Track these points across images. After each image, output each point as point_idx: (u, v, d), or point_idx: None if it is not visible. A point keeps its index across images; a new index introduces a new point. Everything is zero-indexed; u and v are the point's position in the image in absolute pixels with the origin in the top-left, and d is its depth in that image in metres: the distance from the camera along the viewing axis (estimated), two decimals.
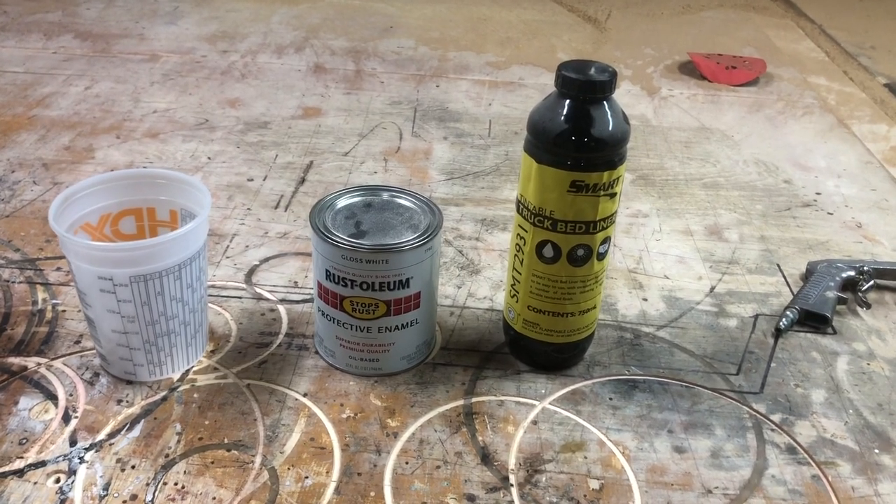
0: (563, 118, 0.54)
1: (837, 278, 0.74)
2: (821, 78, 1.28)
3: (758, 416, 0.60)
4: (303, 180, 0.88)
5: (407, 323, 0.60)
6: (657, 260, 0.78)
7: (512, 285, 0.61)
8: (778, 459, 0.57)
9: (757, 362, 0.66)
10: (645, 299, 0.73)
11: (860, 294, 0.73)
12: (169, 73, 1.15)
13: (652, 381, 0.63)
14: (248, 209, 0.82)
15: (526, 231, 0.58)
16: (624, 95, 1.17)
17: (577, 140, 0.53)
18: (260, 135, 0.98)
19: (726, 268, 0.78)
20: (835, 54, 1.40)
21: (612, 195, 0.56)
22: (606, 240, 0.58)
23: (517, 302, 0.61)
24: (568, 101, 0.54)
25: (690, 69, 1.28)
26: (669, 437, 0.58)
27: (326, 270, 0.58)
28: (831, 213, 0.89)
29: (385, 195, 0.62)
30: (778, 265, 0.79)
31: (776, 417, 0.60)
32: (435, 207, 0.61)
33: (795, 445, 0.58)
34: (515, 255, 0.60)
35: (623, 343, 0.67)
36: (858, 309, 0.73)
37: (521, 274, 0.60)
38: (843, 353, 0.67)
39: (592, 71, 0.54)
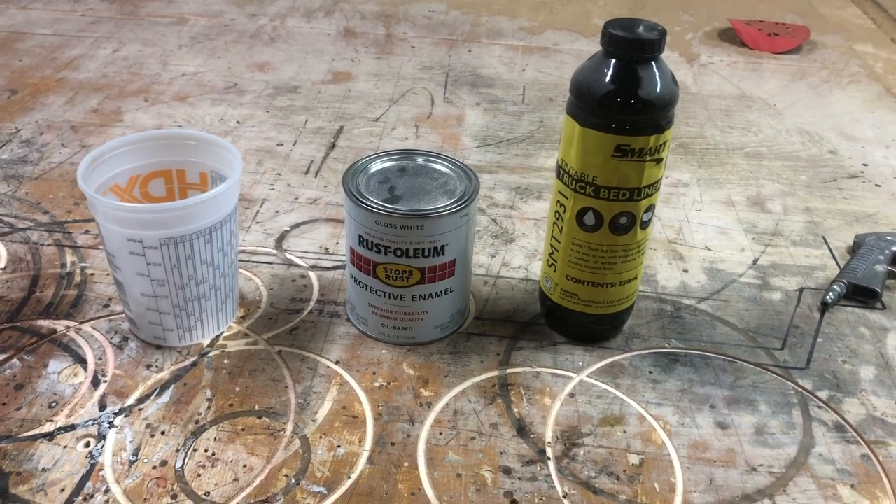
0: (608, 78, 0.51)
1: (887, 251, 0.71)
2: (867, 45, 1.24)
3: (804, 392, 0.58)
4: (333, 146, 0.86)
5: (441, 291, 0.58)
6: (698, 231, 0.76)
7: (550, 254, 0.59)
8: (825, 437, 0.54)
9: (802, 337, 0.63)
10: (686, 271, 0.70)
11: None
12: (197, 37, 1.13)
13: (693, 354, 0.61)
14: (278, 174, 0.81)
15: (566, 197, 0.56)
16: None
17: (624, 101, 0.51)
18: (289, 99, 0.96)
19: (770, 239, 0.75)
20: (882, 21, 1.35)
21: (659, 160, 0.54)
22: (651, 207, 0.56)
23: (555, 271, 0.59)
24: (614, 61, 0.51)
25: (731, 36, 1.24)
26: (712, 413, 0.56)
27: (359, 236, 0.56)
28: (879, 185, 0.86)
29: (420, 159, 0.61)
30: (823, 237, 0.76)
31: (823, 394, 0.58)
32: (471, 173, 0.59)
33: (844, 423, 0.56)
34: (555, 222, 0.58)
35: (663, 315, 0.65)
36: None
37: (560, 242, 0.58)
38: (893, 328, 0.65)
39: (641, 29, 0.51)
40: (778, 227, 0.77)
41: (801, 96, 1.05)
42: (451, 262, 0.57)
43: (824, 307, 0.66)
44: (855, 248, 0.73)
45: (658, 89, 0.51)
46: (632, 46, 0.51)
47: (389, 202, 0.56)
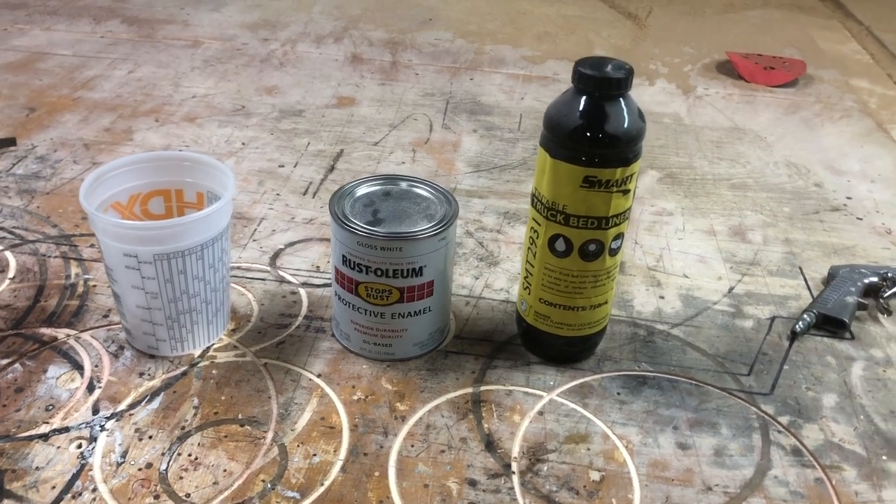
0: (577, 114, 0.54)
1: (859, 283, 0.73)
2: (863, 81, 1.26)
3: (765, 416, 0.61)
4: (332, 168, 0.90)
5: (420, 310, 0.61)
6: (678, 258, 0.78)
7: (525, 277, 0.62)
8: (782, 461, 0.57)
9: (769, 364, 0.66)
10: (662, 297, 0.73)
11: (882, 300, 0.73)
12: (210, 60, 1.17)
13: (661, 377, 0.64)
14: (278, 194, 0.84)
15: (539, 224, 0.59)
16: (658, 93, 1.16)
17: (591, 136, 0.54)
18: (294, 122, 1.00)
19: (747, 269, 0.78)
20: (880, 57, 1.38)
21: (626, 192, 0.57)
22: (619, 236, 0.59)
23: (529, 294, 0.62)
24: (584, 97, 0.55)
25: (728, 69, 1.27)
26: (674, 434, 0.58)
27: (343, 256, 0.60)
28: (861, 218, 0.88)
29: (404, 185, 0.64)
30: (800, 268, 0.78)
31: (784, 419, 0.60)
32: (451, 198, 0.62)
33: (801, 448, 0.58)
34: (529, 247, 0.61)
35: (636, 339, 0.67)
36: (879, 315, 0.72)
37: (533, 266, 0.61)
38: (859, 358, 0.67)
39: (609, 68, 0.55)
40: (756, 257, 0.80)
41: (792, 129, 1.08)
42: (429, 283, 0.60)
43: (793, 336, 0.69)
44: (829, 280, 0.76)
45: (625, 125, 0.54)
46: (600, 84, 0.54)
47: (372, 224, 0.59)
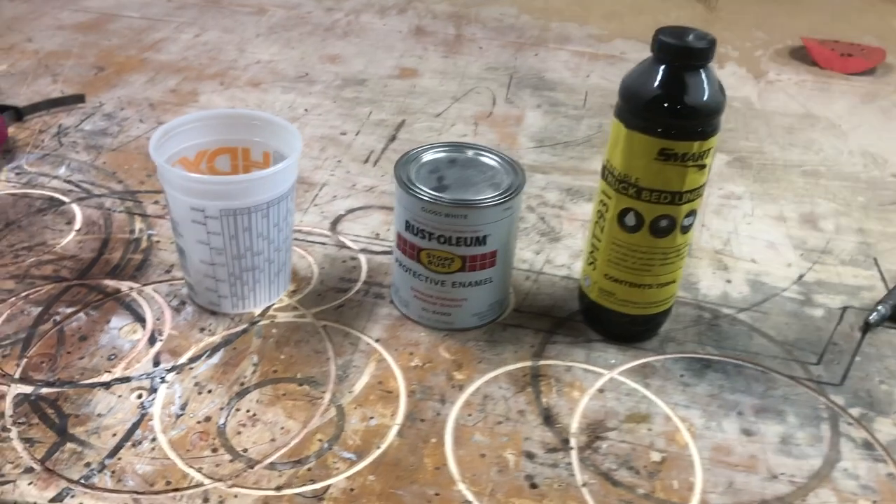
0: (656, 83, 0.53)
1: None
2: None
3: (835, 407, 0.58)
4: (393, 138, 0.89)
5: (481, 280, 0.60)
6: (746, 243, 0.76)
7: (590, 252, 0.61)
8: (852, 453, 0.55)
9: (840, 354, 0.63)
10: (729, 281, 0.71)
11: None
12: (274, 27, 1.17)
13: (727, 362, 0.62)
14: (339, 161, 0.84)
15: (609, 197, 0.57)
16: (728, 77, 1.13)
17: (670, 107, 0.52)
18: (356, 91, 1.00)
19: (818, 257, 0.75)
20: None
21: (702, 167, 0.55)
22: (692, 212, 0.57)
23: (594, 269, 0.61)
24: (663, 67, 0.53)
25: (802, 55, 1.23)
26: (739, 419, 0.57)
27: (406, 221, 0.59)
28: None
29: (470, 153, 0.63)
30: (875, 259, 0.75)
31: (854, 411, 0.58)
32: (518, 168, 0.61)
33: (873, 441, 0.56)
34: (596, 221, 0.59)
35: (701, 322, 0.66)
36: None
37: (600, 241, 0.59)
38: None
39: (691, 37, 0.53)
40: (828, 246, 0.77)
41: (868, 118, 1.04)
42: (492, 253, 0.59)
43: (867, 327, 0.66)
44: None
45: (704, 97, 0.52)
46: (681, 53, 0.52)
47: (437, 191, 0.58)
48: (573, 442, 0.54)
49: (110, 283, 0.65)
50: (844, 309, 0.69)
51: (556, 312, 0.65)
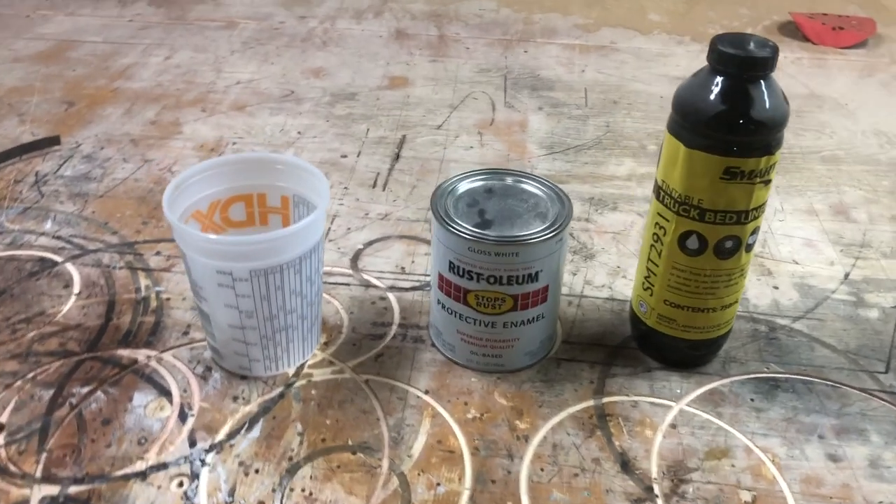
0: (719, 98, 0.49)
1: None
2: None
3: None
4: (398, 157, 0.84)
5: (533, 318, 0.56)
6: (783, 243, 0.73)
7: (646, 277, 0.57)
8: None
9: None
10: (776, 287, 0.68)
11: None
12: (248, 41, 1.11)
13: (794, 379, 0.59)
14: (346, 188, 0.79)
15: (667, 220, 0.53)
16: None
17: (736, 122, 0.48)
18: (348, 107, 0.94)
19: (859, 251, 0.72)
20: None
21: (768, 182, 0.51)
22: (756, 230, 0.53)
23: (651, 295, 0.57)
24: (724, 79, 0.49)
25: (791, 30, 1.20)
26: (821, 444, 0.54)
27: (450, 262, 0.54)
28: None
29: (509, 180, 0.58)
30: None
31: None
32: (561, 193, 0.57)
33: None
34: (652, 244, 0.55)
35: (758, 337, 0.62)
36: None
37: (658, 266, 0.55)
38: None
39: (752, 45, 0.49)
40: (866, 238, 0.74)
41: (872, 94, 1.02)
42: (544, 288, 0.55)
43: None
44: None
45: (771, 109, 0.49)
46: (744, 64, 0.48)
47: (480, 227, 0.54)
48: (657, 489, 0.50)
49: (125, 352, 0.59)
50: None
51: (608, 340, 0.62)
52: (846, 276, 0.69)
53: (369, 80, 1.01)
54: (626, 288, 0.67)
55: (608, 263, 0.70)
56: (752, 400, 0.57)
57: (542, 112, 0.95)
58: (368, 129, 0.89)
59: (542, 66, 1.06)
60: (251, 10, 1.22)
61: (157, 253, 0.69)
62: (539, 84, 1.01)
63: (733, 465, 0.52)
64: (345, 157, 0.84)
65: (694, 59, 1.08)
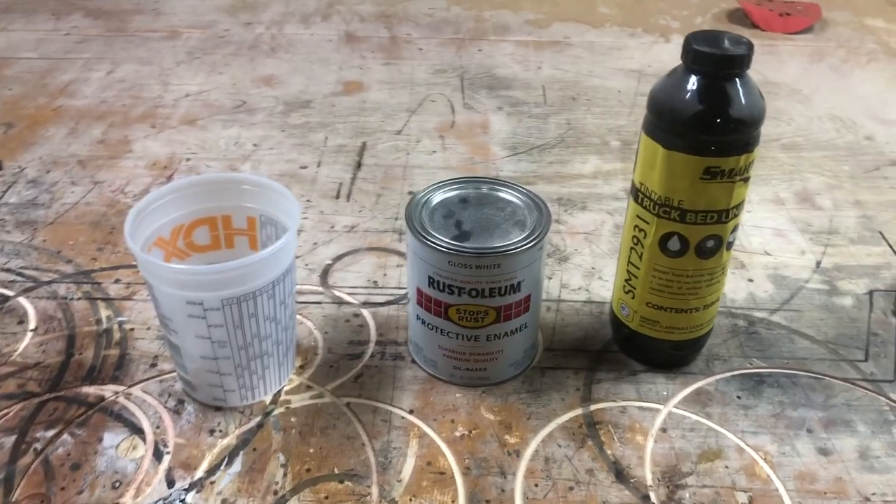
0: (697, 98, 0.48)
1: None
2: (878, 20, 1.22)
3: None
4: (359, 165, 0.82)
5: (517, 328, 0.55)
6: (753, 234, 0.73)
7: (627, 280, 0.56)
8: None
9: (884, 346, 0.61)
10: (751, 280, 0.67)
11: None
12: (193, 51, 1.07)
13: (778, 373, 0.58)
14: (308, 201, 0.76)
15: (647, 223, 0.52)
16: (676, 50, 1.09)
17: (716, 122, 0.48)
18: (303, 115, 0.92)
19: (827, 239, 0.73)
20: None
21: (747, 179, 0.51)
22: (736, 227, 0.53)
23: (633, 298, 0.56)
24: (700, 79, 0.48)
25: (740, 17, 1.21)
26: (810, 438, 0.53)
27: (429, 277, 0.53)
28: None
29: (483, 188, 0.57)
30: (881, 233, 0.74)
31: None
32: (537, 199, 0.55)
33: None
34: (632, 247, 0.55)
35: (738, 332, 0.62)
36: None
37: (639, 269, 0.54)
38: None
39: (727, 43, 0.48)
40: (832, 225, 0.75)
41: (824, 79, 1.03)
42: (526, 298, 0.54)
43: None
44: None
45: (749, 106, 0.48)
46: (720, 62, 0.47)
47: (459, 239, 0.52)
48: (654, 497, 0.49)
49: (90, 390, 0.56)
50: (871, 293, 0.66)
51: (590, 345, 0.61)
52: (818, 264, 0.70)
53: (323, 86, 0.99)
54: (602, 289, 0.66)
55: (582, 265, 0.69)
56: (738, 397, 0.56)
57: (503, 112, 0.93)
58: (327, 138, 0.87)
59: (497, 65, 1.05)
60: (194, 19, 1.18)
61: (117, 281, 0.66)
62: (496, 83, 1.00)
63: (727, 467, 0.51)
64: (304, 167, 0.82)
65: (647, 51, 1.08)
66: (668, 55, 1.08)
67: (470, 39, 1.12)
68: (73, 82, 0.99)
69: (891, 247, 0.72)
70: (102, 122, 0.89)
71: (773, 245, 0.72)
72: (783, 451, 0.52)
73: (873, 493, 0.50)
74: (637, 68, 1.03)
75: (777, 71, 1.05)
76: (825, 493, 0.50)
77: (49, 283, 0.65)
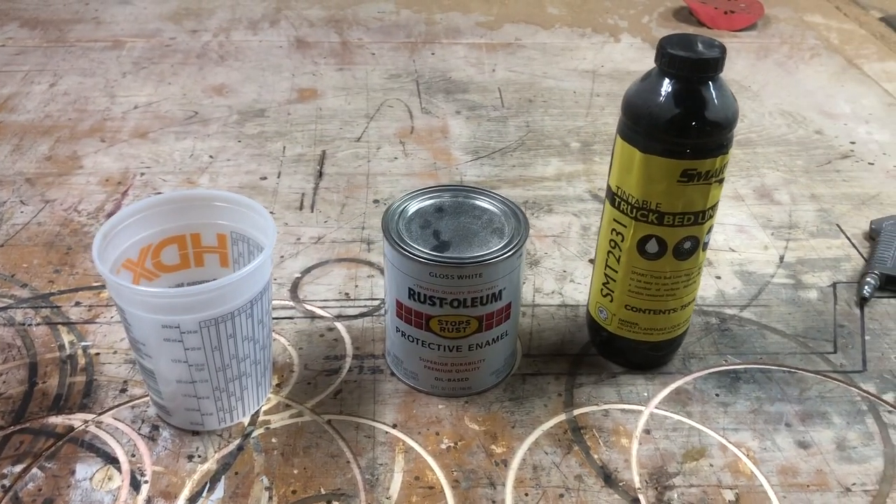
0: (673, 101, 0.48)
1: None
2: (816, 16, 1.25)
3: (870, 397, 0.57)
4: (321, 174, 0.81)
5: (498, 336, 0.54)
6: (718, 231, 0.74)
7: (604, 283, 0.56)
8: None
9: (850, 337, 0.63)
10: (718, 277, 0.68)
11: None
12: (139, 61, 1.04)
13: (753, 369, 0.59)
14: (271, 213, 0.75)
15: (624, 226, 0.53)
16: (627, 50, 1.11)
17: (693, 125, 0.48)
18: (259, 125, 0.90)
19: (788, 233, 0.74)
20: None
21: (721, 181, 0.51)
22: (711, 228, 0.53)
23: (611, 301, 0.56)
24: (675, 83, 0.48)
25: (686, 16, 1.23)
26: (789, 432, 0.54)
27: (409, 289, 0.52)
28: (872, 163, 0.86)
29: (455, 196, 0.56)
30: (838, 225, 0.76)
31: (889, 397, 0.57)
32: (513, 205, 0.55)
33: None
34: (610, 251, 0.55)
35: (711, 329, 0.63)
36: None
37: (617, 272, 0.55)
38: None
39: (700, 46, 0.48)
40: (792, 219, 0.76)
41: (771, 75, 1.05)
42: (507, 306, 0.54)
43: (863, 302, 0.66)
44: (873, 235, 0.73)
45: (723, 109, 0.49)
46: (695, 66, 0.48)
47: (439, 249, 0.51)
48: (643, 500, 0.49)
49: (57, 420, 0.53)
50: (834, 285, 0.68)
51: (568, 349, 0.61)
52: (781, 259, 0.71)
53: (276, 94, 0.97)
54: (575, 292, 0.66)
55: (554, 269, 0.69)
56: (717, 395, 0.57)
57: (461, 116, 0.93)
58: (285, 148, 0.85)
59: (451, 68, 1.05)
60: (136, 28, 1.14)
61: (77, 304, 0.63)
62: (452, 87, 1.00)
63: (711, 465, 0.52)
64: (264, 179, 0.80)
65: (599, 51, 1.09)
66: (620, 55, 1.09)
67: (422, 43, 1.12)
68: (13, 96, 0.95)
69: (849, 239, 0.74)
70: (48, 138, 0.86)
71: (736, 241, 0.73)
72: (764, 446, 0.53)
73: (853, 484, 0.51)
74: (590, 69, 1.04)
75: (726, 68, 1.06)
76: (808, 485, 0.51)
77: (5, 308, 0.63)
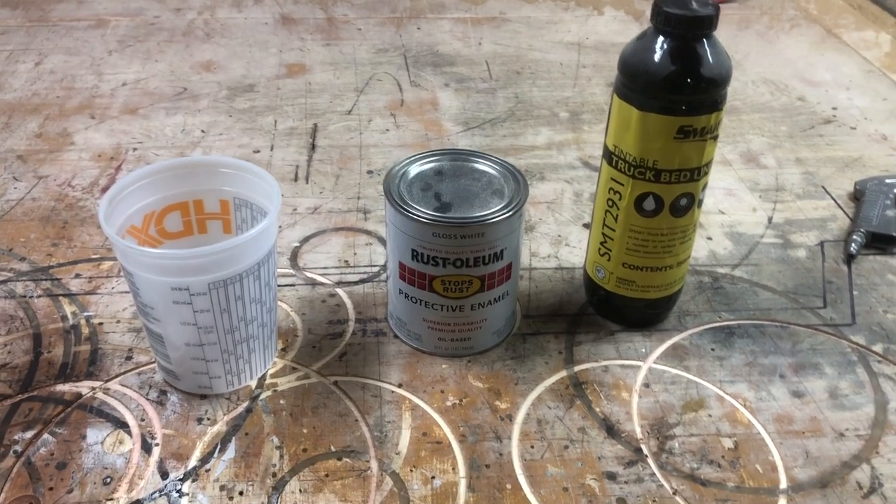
0: (669, 59, 0.49)
1: (891, 195, 0.73)
2: None
3: (860, 348, 0.59)
4: (314, 146, 0.81)
5: (499, 296, 0.56)
6: (707, 195, 0.75)
7: (602, 243, 0.57)
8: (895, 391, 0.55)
9: (839, 292, 0.64)
10: (709, 238, 0.70)
11: None
12: (125, 39, 1.04)
13: (746, 325, 0.61)
14: None
15: (622, 184, 0.54)
16: (611, 22, 1.12)
17: (689, 82, 0.49)
18: (249, 99, 0.90)
19: (775, 195, 0.76)
20: None
21: (716, 137, 0.52)
22: (706, 185, 0.55)
23: (609, 260, 0.57)
24: (671, 41, 0.49)
25: None
26: (783, 382, 0.56)
27: (412, 250, 0.53)
28: (854, 128, 0.88)
29: (452, 159, 0.57)
30: (823, 187, 0.77)
31: (878, 348, 0.59)
32: (511, 167, 0.56)
33: None
34: (607, 210, 0.56)
35: (704, 288, 0.64)
36: None
37: (614, 231, 0.56)
38: None
39: (694, 5, 0.49)
40: (778, 182, 0.78)
41: (753, 45, 1.07)
42: (507, 266, 0.55)
43: (850, 259, 0.68)
44: (858, 195, 0.75)
45: (718, 66, 0.50)
46: (690, 24, 0.49)
47: (441, 210, 0.52)
48: (645, 449, 0.51)
49: (64, 388, 0.54)
50: (822, 244, 0.70)
51: (566, 309, 0.62)
52: (770, 220, 0.73)
53: (265, 69, 0.97)
54: (571, 255, 0.67)
55: (549, 233, 0.70)
56: (712, 350, 0.59)
57: (450, 88, 0.93)
58: (276, 121, 0.86)
59: (438, 42, 1.05)
60: (120, 6, 1.14)
61: (77, 276, 0.63)
62: (440, 60, 1.00)
63: (710, 415, 0.53)
64: (257, 152, 0.80)
65: (583, 24, 1.10)
66: (604, 27, 1.10)
67: (408, 18, 1.12)
68: None
69: (834, 200, 0.75)
70: (38, 115, 0.86)
71: (726, 204, 0.74)
72: (760, 396, 0.55)
73: (846, 429, 0.53)
74: (575, 41, 1.05)
75: None
76: (803, 432, 0.52)
77: (5, 282, 0.63)
